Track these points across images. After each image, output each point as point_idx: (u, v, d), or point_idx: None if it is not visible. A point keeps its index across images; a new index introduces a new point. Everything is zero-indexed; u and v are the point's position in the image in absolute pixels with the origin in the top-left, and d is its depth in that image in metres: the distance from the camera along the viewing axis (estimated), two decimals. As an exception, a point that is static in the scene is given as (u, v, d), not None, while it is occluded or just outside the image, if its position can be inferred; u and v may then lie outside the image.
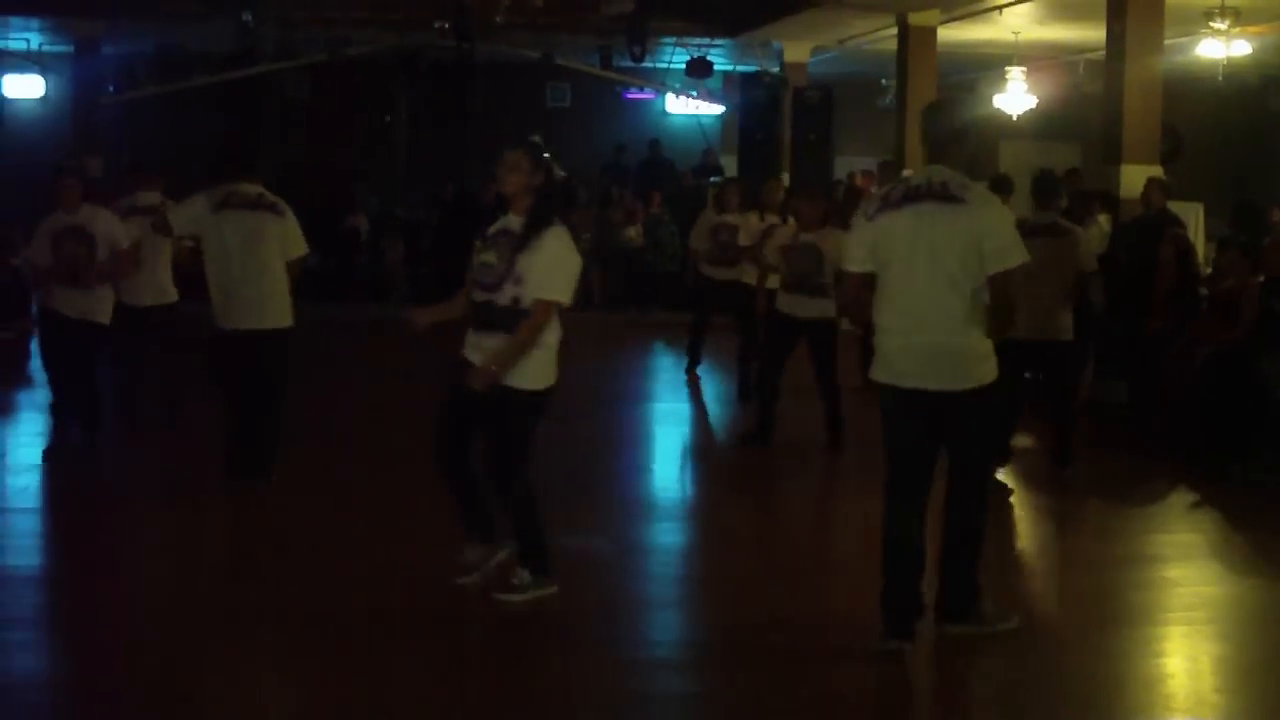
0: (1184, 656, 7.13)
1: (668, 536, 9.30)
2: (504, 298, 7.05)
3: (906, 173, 6.93)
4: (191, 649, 6.62)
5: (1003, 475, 9.85)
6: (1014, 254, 6.55)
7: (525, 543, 7.31)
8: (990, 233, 6.53)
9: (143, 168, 12.03)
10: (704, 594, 7.99)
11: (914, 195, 6.65)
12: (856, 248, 6.85)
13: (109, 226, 10.66)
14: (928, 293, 6.55)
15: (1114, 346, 13.42)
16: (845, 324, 11.02)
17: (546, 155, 7.25)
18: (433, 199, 23.62)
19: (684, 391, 14.85)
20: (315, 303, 21.31)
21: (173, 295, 11.54)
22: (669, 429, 13.53)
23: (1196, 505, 10.32)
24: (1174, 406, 11.72)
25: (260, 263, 9.38)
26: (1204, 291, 12.86)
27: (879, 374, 6.74)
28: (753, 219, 13.93)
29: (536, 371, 7.17)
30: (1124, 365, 13.03)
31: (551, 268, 7.09)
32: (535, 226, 7.08)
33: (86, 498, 9.80)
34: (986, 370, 6.64)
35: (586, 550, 8.37)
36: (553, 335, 7.21)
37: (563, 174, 18.57)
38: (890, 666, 6.47)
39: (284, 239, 9.55)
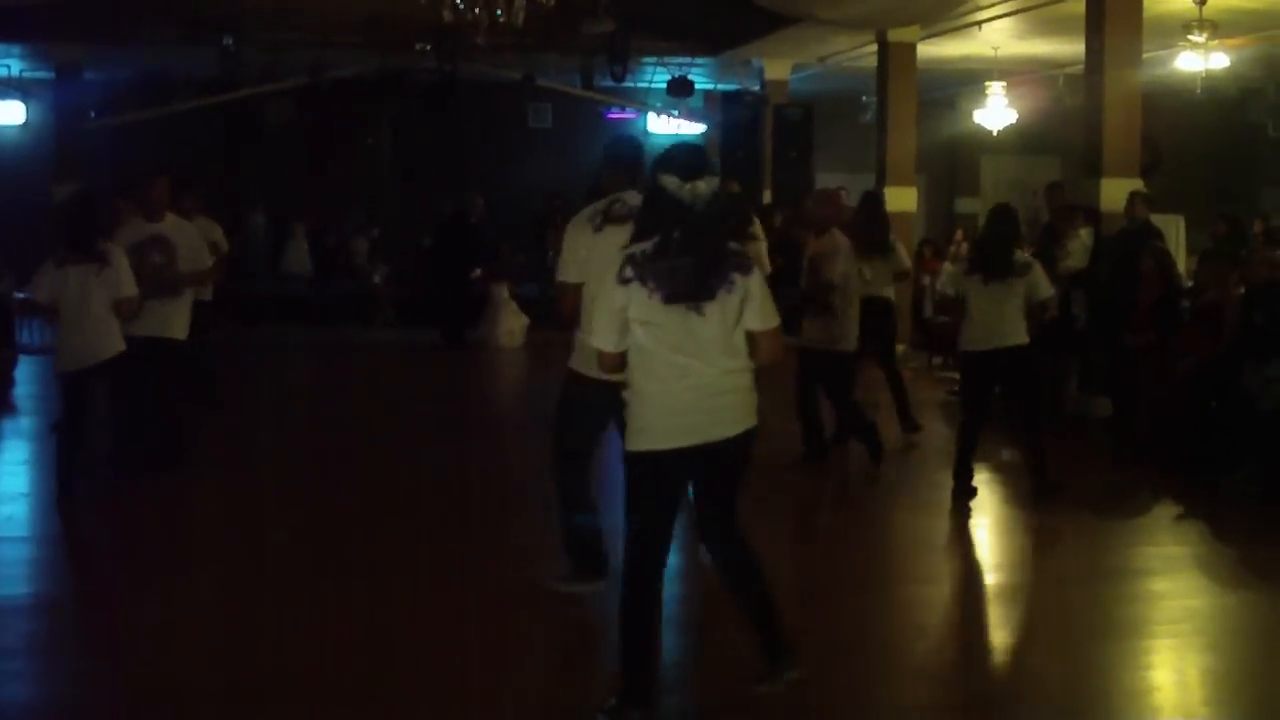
0: (1171, 669, 7.14)
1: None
2: None
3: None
4: (190, 679, 6.61)
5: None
6: None
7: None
8: None
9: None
10: (697, 615, 8.00)
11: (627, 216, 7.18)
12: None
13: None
14: None
15: (1097, 360, 13.48)
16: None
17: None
18: (424, 220, 23.61)
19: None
20: (303, 325, 21.61)
21: None
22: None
23: (1181, 518, 10.35)
24: (1157, 419, 11.77)
25: None
26: (1186, 304, 12.91)
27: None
28: None
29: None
30: (1107, 378, 13.07)
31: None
32: None
33: (80, 527, 9.81)
34: None
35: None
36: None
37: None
38: (866, 689, 6.48)
39: None
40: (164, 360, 10.58)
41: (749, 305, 5.74)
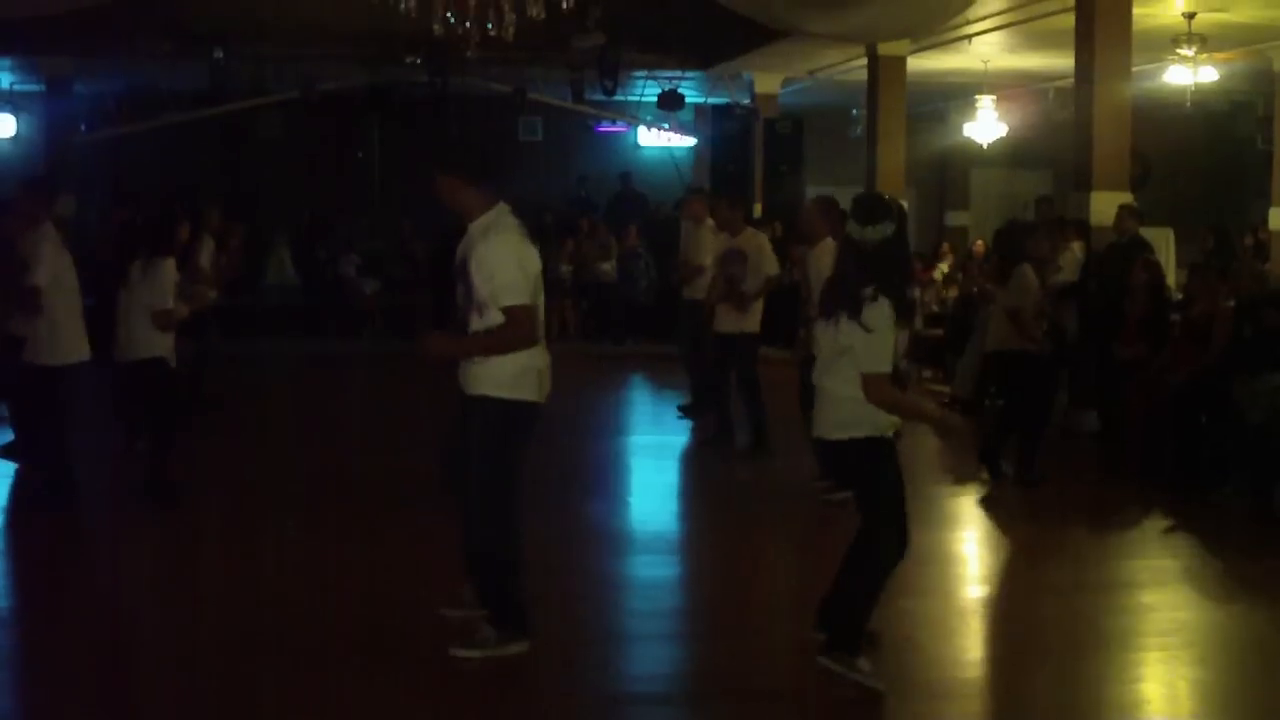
0: (1160, 681, 7.16)
1: (646, 570, 9.30)
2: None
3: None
4: (166, 686, 6.59)
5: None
6: None
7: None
8: None
9: None
10: (683, 629, 7.99)
11: None
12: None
13: None
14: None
15: (1086, 373, 13.47)
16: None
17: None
18: (418, 232, 23.56)
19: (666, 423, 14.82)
20: (291, 338, 21.53)
21: None
22: (648, 461, 13.54)
23: (1170, 530, 10.36)
24: (1147, 432, 11.76)
25: None
26: (1175, 317, 12.92)
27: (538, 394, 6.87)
28: None
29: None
30: (1097, 392, 13.07)
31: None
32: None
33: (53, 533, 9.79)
34: None
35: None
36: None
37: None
38: (861, 703, 6.46)
39: None
40: (35, 384, 10.05)
41: (850, 350, 6.41)
